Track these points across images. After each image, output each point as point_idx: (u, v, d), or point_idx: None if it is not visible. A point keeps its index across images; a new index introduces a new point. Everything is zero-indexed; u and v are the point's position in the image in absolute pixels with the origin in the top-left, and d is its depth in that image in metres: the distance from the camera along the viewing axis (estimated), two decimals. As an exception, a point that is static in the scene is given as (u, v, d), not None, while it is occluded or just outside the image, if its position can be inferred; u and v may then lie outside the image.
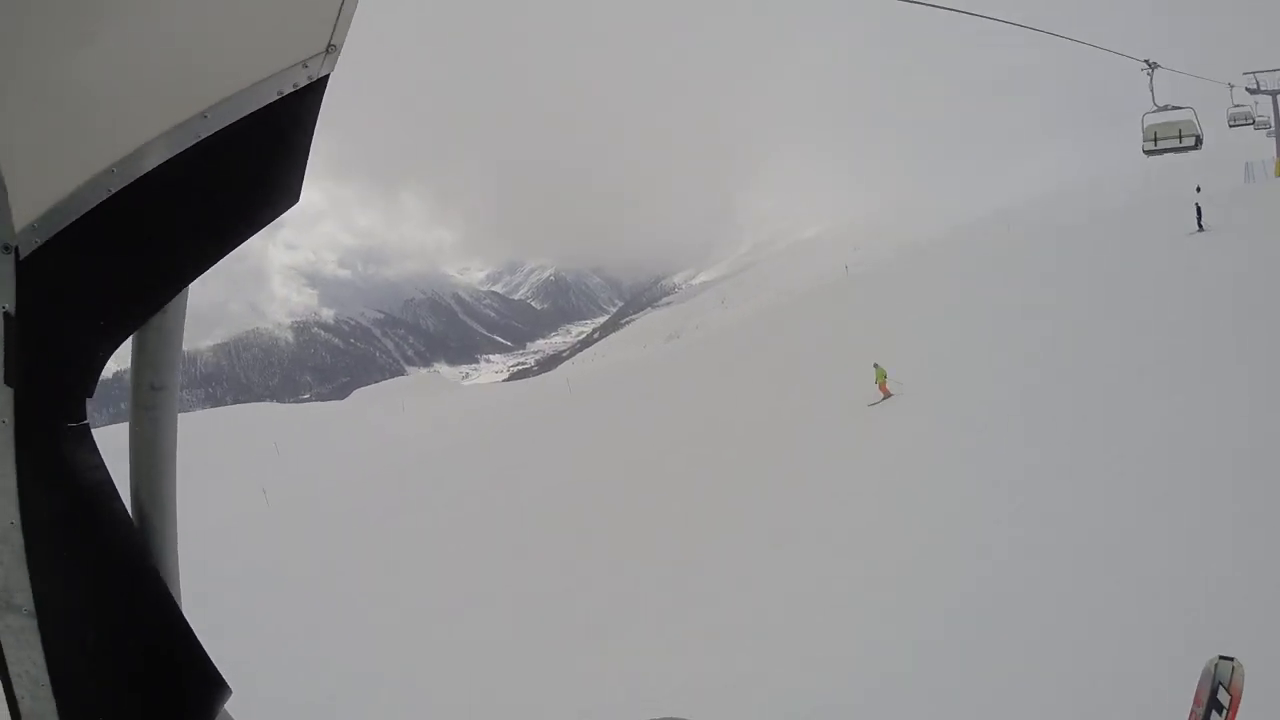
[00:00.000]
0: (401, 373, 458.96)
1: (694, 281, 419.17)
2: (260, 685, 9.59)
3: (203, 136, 0.99)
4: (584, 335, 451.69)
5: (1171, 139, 16.06)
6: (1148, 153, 16.35)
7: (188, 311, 1.09)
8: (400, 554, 22.27)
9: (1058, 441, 12.22)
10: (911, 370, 19.20)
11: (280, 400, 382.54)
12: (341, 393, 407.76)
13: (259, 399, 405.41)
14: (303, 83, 1.08)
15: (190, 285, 1.11)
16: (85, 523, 1.04)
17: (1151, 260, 22.47)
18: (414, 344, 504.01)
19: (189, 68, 0.98)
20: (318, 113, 1.14)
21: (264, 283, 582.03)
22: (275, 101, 1.05)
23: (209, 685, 1.21)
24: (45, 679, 0.98)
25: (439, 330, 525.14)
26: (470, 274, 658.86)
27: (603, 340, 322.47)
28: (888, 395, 19.06)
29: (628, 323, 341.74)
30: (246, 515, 39.38)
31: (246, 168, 1.09)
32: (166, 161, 0.97)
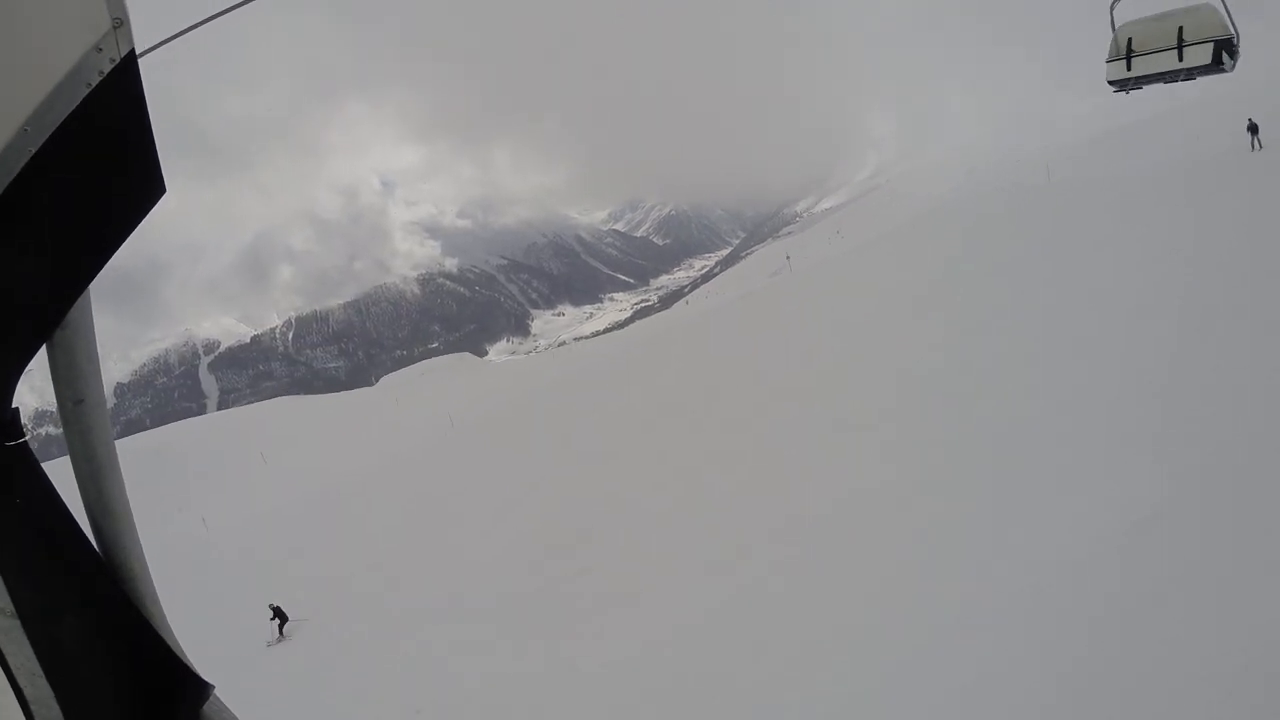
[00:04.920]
0: (528, 316, 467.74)
1: (816, 209, 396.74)
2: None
3: (34, 151, 0.98)
4: (706, 269, 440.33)
5: (1160, 50, 5.16)
6: (1114, 83, 5.42)
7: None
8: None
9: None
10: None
11: (409, 351, 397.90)
12: (469, 341, 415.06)
13: (389, 351, 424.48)
14: (107, 67, 1.04)
15: (92, 297, 1.12)
16: (39, 535, 1.10)
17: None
18: (538, 287, 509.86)
19: None
20: (142, 93, 1.10)
21: (386, 239, 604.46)
22: (90, 95, 1.02)
23: (187, 682, 1.28)
24: (39, 670, 1.05)
25: (562, 272, 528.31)
26: (591, 214, 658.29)
27: (722, 274, 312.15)
28: None
29: (747, 255, 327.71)
30: (186, 544, 35.28)
31: (94, 169, 1.07)
32: (10, 184, 0.96)
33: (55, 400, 1.15)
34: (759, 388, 20.79)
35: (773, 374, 21.49)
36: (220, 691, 1.33)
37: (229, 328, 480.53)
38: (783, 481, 13.97)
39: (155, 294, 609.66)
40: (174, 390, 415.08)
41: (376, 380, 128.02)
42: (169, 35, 2.33)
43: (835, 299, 27.78)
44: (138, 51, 1.08)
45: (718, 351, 28.30)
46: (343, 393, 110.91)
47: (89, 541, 1.20)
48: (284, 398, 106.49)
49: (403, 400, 64.30)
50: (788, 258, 74.61)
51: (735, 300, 44.52)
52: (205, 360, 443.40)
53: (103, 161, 1.08)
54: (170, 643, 1.27)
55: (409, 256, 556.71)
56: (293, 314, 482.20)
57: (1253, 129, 27.40)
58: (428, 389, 70.14)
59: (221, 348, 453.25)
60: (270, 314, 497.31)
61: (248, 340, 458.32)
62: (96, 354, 1.17)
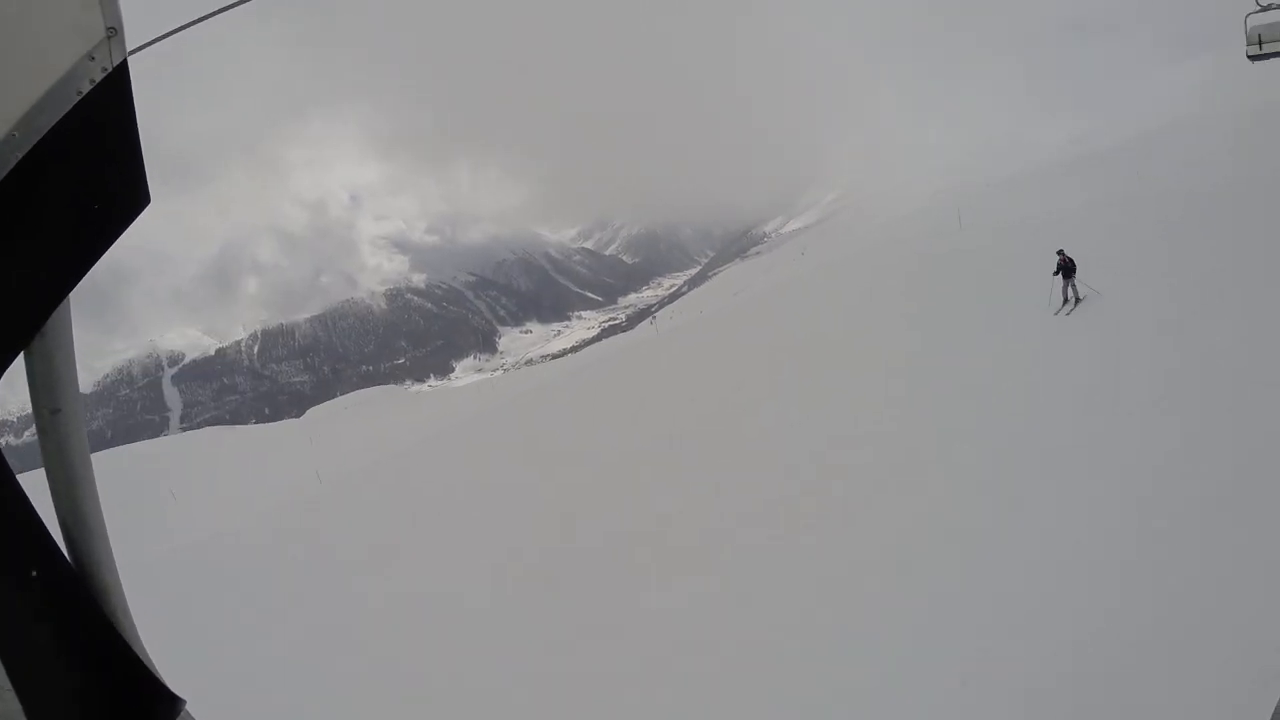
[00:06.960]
0: (495, 333, 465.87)
1: (784, 230, 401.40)
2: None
3: (20, 157, 0.96)
4: (675, 289, 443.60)
5: None
6: (1252, 58, 11.79)
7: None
8: None
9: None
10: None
11: (376, 366, 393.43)
12: (436, 357, 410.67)
13: (355, 366, 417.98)
14: (99, 76, 1.03)
15: (72, 305, 1.11)
16: (10, 544, 1.06)
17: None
18: (506, 305, 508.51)
19: None
20: (132, 103, 1.09)
21: (354, 253, 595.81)
22: (80, 102, 1.01)
23: (159, 697, 1.25)
24: (7, 684, 1.01)
25: (531, 289, 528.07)
26: (561, 231, 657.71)
27: (690, 293, 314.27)
28: None
29: (714, 274, 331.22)
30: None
31: (80, 176, 1.06)
32: None
33: (30, 409, 1.13)
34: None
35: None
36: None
37: (194, 340, 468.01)
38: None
39: (119, 303, 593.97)
40: (137, 402, 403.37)
41: (340, 394, 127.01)
42: (139, 45, 2.47)
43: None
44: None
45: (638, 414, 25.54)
46: (269, 424, 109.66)
47: (61, 553, 1.17)
48: (211, 428, 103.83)
49: (317, 439, 63.14)
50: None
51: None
52: (169, 372, 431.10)
53: (89, 169, 1.07)
54: (142, 657, 1.24)
55: (376, 271, 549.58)
56: (258, 327, 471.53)
57: (1065, 269, 16.25)
58: (342, 426, 68.99)
59: (186, 360, 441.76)
60: (236, 327, 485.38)
61: (212, 353, 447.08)
62: (75, 363, 1.16)
